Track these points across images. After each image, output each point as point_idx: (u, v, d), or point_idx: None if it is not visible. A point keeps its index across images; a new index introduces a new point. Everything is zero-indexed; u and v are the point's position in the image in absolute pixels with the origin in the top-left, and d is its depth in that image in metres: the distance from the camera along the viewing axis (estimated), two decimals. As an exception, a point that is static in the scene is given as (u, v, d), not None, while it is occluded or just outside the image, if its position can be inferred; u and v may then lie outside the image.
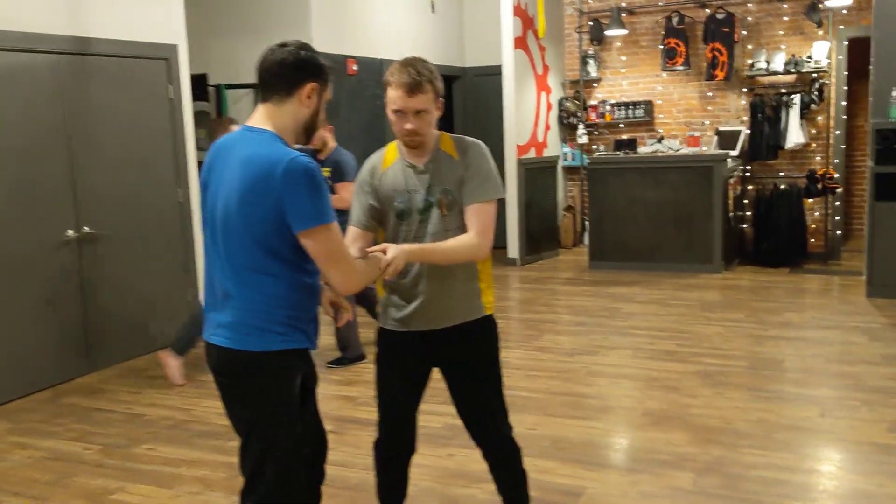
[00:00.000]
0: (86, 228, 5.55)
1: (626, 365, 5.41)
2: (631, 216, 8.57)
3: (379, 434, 2.86)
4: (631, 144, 9.55)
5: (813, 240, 9.09)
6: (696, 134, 9.13)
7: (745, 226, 9.28)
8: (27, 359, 5.22)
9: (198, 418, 4.70)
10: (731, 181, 8.67)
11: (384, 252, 2.43)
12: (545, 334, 6.23)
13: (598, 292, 7.67)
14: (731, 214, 8.59)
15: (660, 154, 8.80)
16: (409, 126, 2.53)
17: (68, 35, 5.38)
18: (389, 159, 2.69)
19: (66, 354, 5.49)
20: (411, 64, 2.53)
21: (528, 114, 9.26)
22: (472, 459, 3.63)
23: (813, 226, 9.12)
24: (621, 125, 9.93)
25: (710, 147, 9.18)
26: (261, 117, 2.32)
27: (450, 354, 2.74)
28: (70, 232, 5.47)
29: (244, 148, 2.26)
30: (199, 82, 8.04)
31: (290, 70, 2.29)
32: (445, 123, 10.28)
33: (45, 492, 3.81)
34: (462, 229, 2.63)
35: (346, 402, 4.88)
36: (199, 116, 8.37)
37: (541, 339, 6.12)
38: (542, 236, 9.45)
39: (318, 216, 2.19)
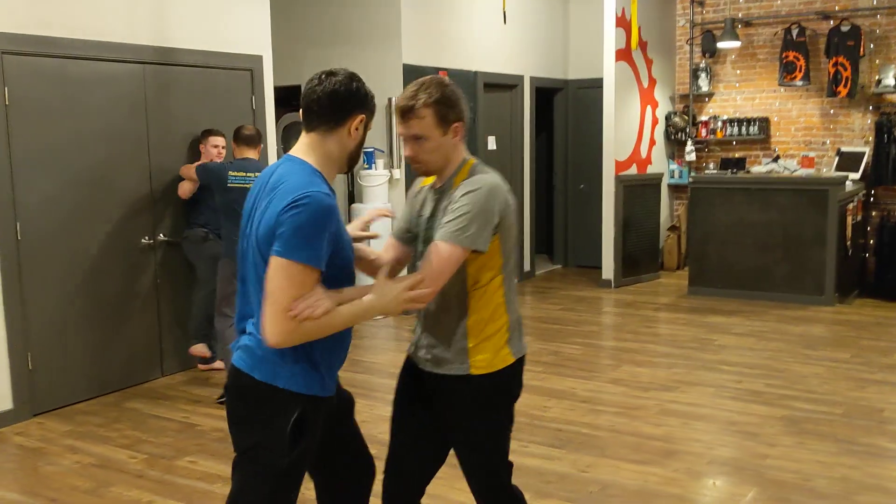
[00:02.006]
0: (161, 236, 5.63)
1: (705, 404, 4.99)
2: (736, 240, 8.03)
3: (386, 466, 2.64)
4: (740, 164, 8.98)
5: (944, 273, 8.26)
6: (812, 154, 8.48)
7: (866, 255, 8.54)
8: (99, 362, 5.32)
9: (247, 433, 4.63)
10: (851, 206, 7.99)
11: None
12: (624, 365, 5.86)
13: (692, 320, 7.20)
14: (848, 242, 7.91)
15: (773, 175, 8.23)
16: (406, 152, 2.41)
17: (151, 45, 5.47)
18: (430, 179, 2.55)
19: (138, 359, 5.57)
20: (416, 85, 2.36)
21: (630, 129, 8.86)
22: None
23: (944, 258, 8.29)
24: (734, 143, 9.36)
25: (829, 168, 8.53)
26: (305, 148, 2.26)
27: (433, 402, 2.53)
28: (146, 239, 5.55)
29: (278, 176, 2.21)
30: (293, 94, 8.12)
31: (339, 101, 2.21)
32: (547, 137, 10.01)
33: (80, 500, 3.82)
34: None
35: (398, 426, 4.69)
36: (293, 127, 8.48)
37: (618, 369, 5.76)
38: (641, 257, 9.00)
39: (289, 250, 2.06)
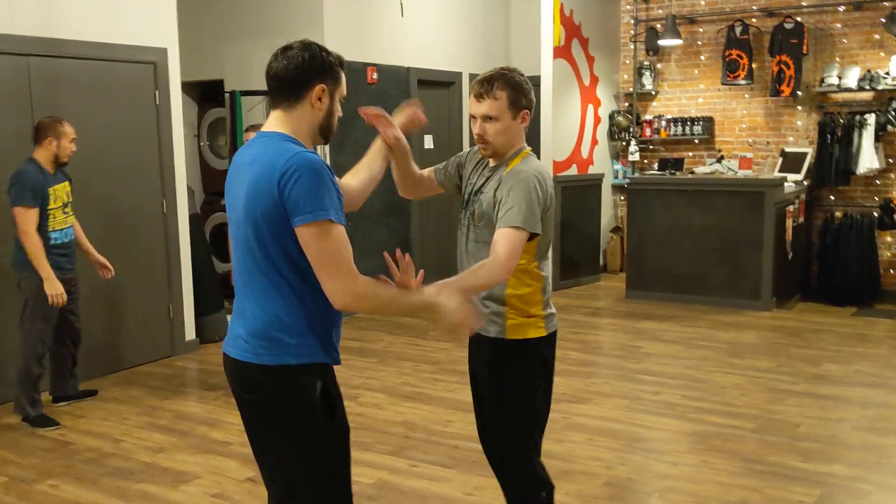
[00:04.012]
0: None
1: (615, 418, 4.75)
2: (674, 243, 7.81)
3: None
4: (678, 164, 8.78)
5: (891, 277, 8.09)
6: (750, 155, 8.27)
7: (811, 258, 8.36)
8: (-22, 373, 5.00)
9: (123, 452, 4.34)
10: (793, 208, 7.79)
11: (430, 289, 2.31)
12: (541, 374, 5.61)
13: (623, 326, 6.98)
14: (789, 245, 7.71)
15: (715, 175, 8.04)
16: (475, 130, 2.63)
17: (35, 36, 5.15)
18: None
19: (24, 370, 5.24)
20: (493, 71, 2.62)
21: (569, 128, 8.63)
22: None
23: (890, 261, 8.13)
24: (678, 142, 9.14)
25: (773, 169, 8.33)
26: (274, 123, 2.22)
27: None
28: (34, 242, 5.22)
29: (253, 151, 2.19)
30: (216, 88, 7.81)
31: (294, 74, 2.17)
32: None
33: (-85, 530, 3.52)
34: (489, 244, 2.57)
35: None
36: (218, 123, 8.15)
37: (534, 379, 5.50)
38: (581, 259, 8.77)
39: (313, 211, 2.04)
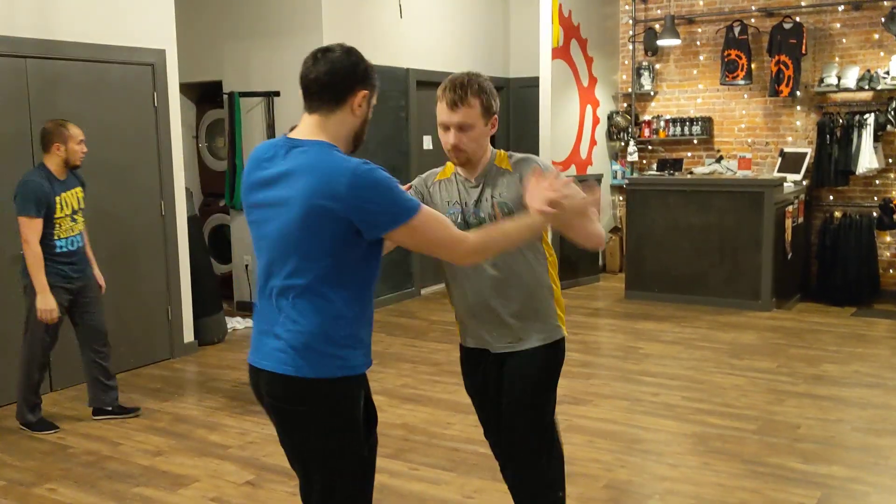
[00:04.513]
0: (49, 241, 5.29)
1: (614, 420, 4.74)
2: (673, 243, 7.80)
3: None
4: (677, 164, 8.77)
5: (890, 277, 8.09)
6: (748, 156, 8.26)
7: (810, 258, 8.36)
8: (-24, 376, 4.98)
9: (121, 455, 4.33)
10: (792, 208, 7.79)
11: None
12: (541, 375, 5.60)
13: (622, 327, 6.97)
14: (789, 245, 7.70)
15: (714, 176, 8.03)
16: (450, 140, 2.52)
17: (33, 37, 5.13)
18: (447, 173, 2.71)
19: (23, 372, 5.23)
20: (460, 77, 2.54)
21: (568, 128, 8.62)
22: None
23: (889, 261, 8.12)
24: (677, 143, 9.13)
25: (772, 169, 8.33)
26: (310, 128, 2.16)
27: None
28: (31, 245, 5.21)
29: (299, 162, 2.10)
30: (215, 89, 7.80)
31: (339, 79, 2.13)
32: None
33: (-87, 535, 3.51)
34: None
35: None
36: (216, 125, 8.14)
37: (533, 381, 5.50)
38: (580, 260, 8.75)
39: (395, 219, 2.08)
